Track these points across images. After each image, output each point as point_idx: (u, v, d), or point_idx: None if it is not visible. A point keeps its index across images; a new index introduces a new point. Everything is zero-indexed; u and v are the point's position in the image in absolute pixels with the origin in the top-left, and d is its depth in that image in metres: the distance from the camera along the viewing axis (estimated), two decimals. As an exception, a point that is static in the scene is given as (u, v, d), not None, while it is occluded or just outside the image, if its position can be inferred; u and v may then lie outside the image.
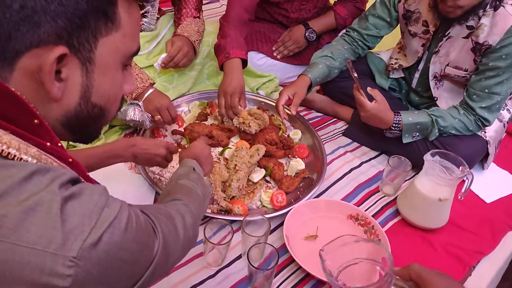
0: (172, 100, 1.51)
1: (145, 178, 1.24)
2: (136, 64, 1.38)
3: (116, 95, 0.56)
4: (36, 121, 0.46)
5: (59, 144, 0.50)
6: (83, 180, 0.48)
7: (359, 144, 1.57)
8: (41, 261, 0.40)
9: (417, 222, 1.25)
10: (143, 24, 1.53)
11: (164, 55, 1.45)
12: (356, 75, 1.35)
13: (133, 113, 1.31)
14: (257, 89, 1.71)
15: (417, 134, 1.42)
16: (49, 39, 0.45)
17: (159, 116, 1.33)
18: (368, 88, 1.38)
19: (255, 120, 1.41)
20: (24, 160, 0.44)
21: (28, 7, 0.44)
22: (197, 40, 1.53)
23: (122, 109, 1.34)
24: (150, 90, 1.34)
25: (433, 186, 1.18)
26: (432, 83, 1.50)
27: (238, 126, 1.41)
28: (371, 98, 1.36)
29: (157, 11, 1.56)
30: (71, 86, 0.49)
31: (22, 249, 0.40)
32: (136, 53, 0.56)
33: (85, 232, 0.42)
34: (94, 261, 0.42)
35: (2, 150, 0.43)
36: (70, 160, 0.51)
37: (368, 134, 1.52)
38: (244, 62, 1.47)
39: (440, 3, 1.30)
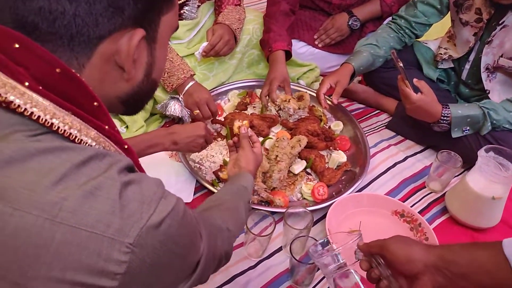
0: (212, 89, 1.50)
1: (185, 166, 1.23)
2: (177, 54, 1.37)
3: (164, 68, 0.58)
4: (95, 103, 0.46)
5: (116, 129, 0.49)
6: (136, 170, 0.47)
7: (403, 138, 1.51)
8: (99, 245, 0.39)
9: (467, 221, 1.18)
10: (185, 12, 1.52)
11: (205, 43, 1.44)
12: (401, 64, 1.29)
13: (173, 108, 1.32)
14: (297, 79, 1.67)
15: (468, 128, 1.34)
16: (129, 22, 0.47)
17: (198, 111, 1.33)
18: (414, 80, 1.32)
19: (297, 101, 1.38)
20: (84, 142, 0.44)
21: None
22: (238, 28, 1.51)
23: (163, 102, 1.34)
24: (191, 83, 1.33)
25: (486, 184, 1.12)
26: (484, 75, 1.41)
27: (279, 105, 1.39)
28: (417, 90, 1.30)
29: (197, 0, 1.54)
30: (139, 65, 0.51)
31: (82, 232, 0.39)
32: (176, 28, 0.58)
33: (143, 219, 0.41)
34: (149, 250, 0.42)
35: (64, 131, 0.43)
36: (126, 146, 0.50)
37: (414, 127, 1.46)
38: (288, 54, 1.51)
39: None
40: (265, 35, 1.53)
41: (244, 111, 1.48)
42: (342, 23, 1.70)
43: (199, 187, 1.23)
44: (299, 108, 1.37)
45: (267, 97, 1.44)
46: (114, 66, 0.48)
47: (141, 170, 0.55)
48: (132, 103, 0.55)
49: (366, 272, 0.68)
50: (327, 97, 1.40)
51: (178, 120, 1.40)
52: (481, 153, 1.12)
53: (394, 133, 1.52)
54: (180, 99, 1.33)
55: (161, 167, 1.25)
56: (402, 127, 1.51)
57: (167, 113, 1.33)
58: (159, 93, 1.39)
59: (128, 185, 0.42)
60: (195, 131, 1.08)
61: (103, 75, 0.48)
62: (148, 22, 0.49)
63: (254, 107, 1.50)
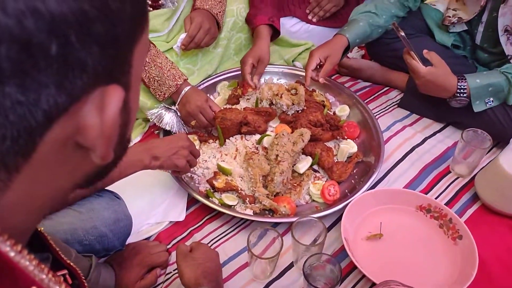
0: (198, 83, 1.33)
1: (173, 177, 1.08)
2: (166, 58, 1.20)
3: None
4: None
5: None
6: None
7: (419, 116, 1.33)
8: None
9: (504, 209, 1.02)
10: (164, 1, 1.34)
11: (183, 35, 1.26)
12: (403, 34, 1.14)
13: (171, 122, 1.17)
14: (293, 61, 1.49)
15: (491, 99, 1.17)
16: (94, 81, 0.27)
17: (195, 121, 1.18)
18: (424, 51, 1.16)
19: (290, 95, 1.21)
20: None
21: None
22: (219, 12, 1.32)
23: (156, 111, 1.18)
24: (185, 89, 1.17)
25: (526, 166, 0.95)
26: (503, 39, 1.22)
27: (270, 99, 1.22)
28: (429, 63, 1.13)
29: None
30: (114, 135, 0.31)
31: None
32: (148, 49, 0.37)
33: None
34: None
35: None
36: None
37: (430, 102, 1.28)
38: (275, 31, 1.33)
39: None
40: (250, 10, 1.39)
41: (236, 105, 1.31)
42: None
43: (191, 200, 1.08)
44: (293, 104, 1.20)
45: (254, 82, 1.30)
46: (74, 150, 0.29)
47: None
48: (92, 181, 0.35)
49: None
50: (328, 79, 1.23)
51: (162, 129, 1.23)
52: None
53: (408, 112, 1.34)
54: (176, 110, 1.18)
55: (146, 181, 1.09)
56: (416, 104, 1.33)
57: (162, 126, 1.18)
58: (144, 99, 1.23)
59: None
60: (177, 142, 0.93)
61: (51, 172, 0.29)
62: (121, 68, 0.29)
63: (248, 99, 1.33)
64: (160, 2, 1.34)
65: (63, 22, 0.23)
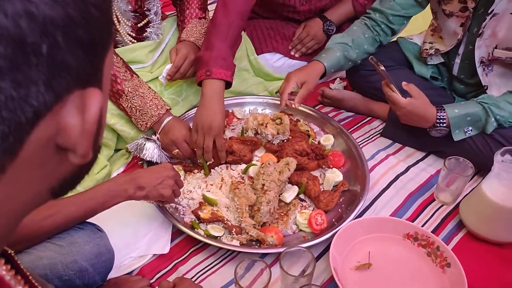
0: (183, 114, 1.33)
1: (157, 208, 1.05)
2: (149, 88, 1.20)
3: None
4: None
5: None
6: None
7: (402, 145, 1.35)
8: None
9: (488, 236, 1.03)
10: (148, 34, 1.35)
11: (168, 65, 1.27)
12: (383, 68, 1.18)
13: (151, 152, 1.15)
14: (276, 92, 1.52)
15: (470, 128, 1.20)
16: (75, 84, 0.30)
17: (177, 150, 1.17)
18: (403, 83, 1.20)
19: (275, 124, 1.22)
20: None
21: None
22: None
23: (136, 142, 1.17)
24: (167, 119, 1.16)
25: (507, 192, 0.97)
26: (479, 70, 1.27)
27: (255, 129, 1.23)
28: (408, 95, 1.17)
29: (160, 18, 1.38)
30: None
31: None
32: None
33: None
34: None
35: None
36: None
37: (411, 132, 1.30)
38: (228, 85, 1.19)
39: None
40: (205, 52, 1.17)
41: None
42: (317, 30, 1.57)
43: (176, 232, 1.05)
44: (278, 133, 1.20)
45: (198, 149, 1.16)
46: (53, 151, 0.30)
47: None
48: (65, 187, 0.36)
49: None
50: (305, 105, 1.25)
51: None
52: (497, 157, 0.97)
53: (391, 141, 1.37)
54: (156, 140, 1.16)
55: (130, 212, 1.06)
56: (398, 134, 1.36)
57: (143, 157, 1.16)
58: (127, 129, 1.21)
59: None
60: (162, 172, 0.91)
61: (31, 174, 0.30)
62: (96, 73, 0.32)
63: (233, 129, 1.33)
64: (144, 34, 1.36)
65: (53, 24, 0.26)
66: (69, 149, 0.30)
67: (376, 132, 1.41)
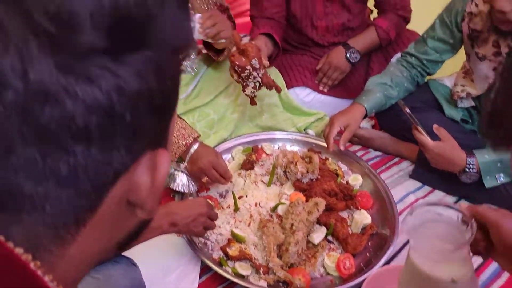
0: (213, 147, 1.36)
1: (188, 243, 1.06)
2: (178, 117, 1.24)
3: None
4: None
5: None
6: None
7: (431, 188, 1.34)
8: None
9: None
10: (184, 68, 1.41)
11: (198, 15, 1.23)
12: (409, 111, 1.19)
13: (181, 183, 1.18)
14: (305, 129, 1.53)
15: (501, 175, 1.19)
16: (147, 147, 0.33)
17: (206, 178, 1.19)
18: (434, 126, 1.20)
19: (305, 163, 1.23)
20: None
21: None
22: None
23: (169, 173, 1.20)
24: (194, 147, 1.19)
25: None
26: None
27: (285, 166, 1.24)
28: (438, 137, 1.18)
29: (197, 53, 1.44)
30: None
31: None
32: None
33: None
34: None
35: None
36: None
37: (441, 175, 1.29)
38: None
39: (493, 15, 1.12)
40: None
41: (250, 170, 1.33)
42: (338, 59, 1.57)
43: (204, 267, 1.06)
44: (307, 172, 1.21)
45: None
46: (124, 207, 0.33)
47: None
48: (129, 240, 0.39)
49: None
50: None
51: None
52: (407, 219, 0.68)
53: (420, 184, 1.36)
54: (184, 171, 1.19)
55: (160, 245, 1.08)
56: (428, 176, 1.35)
57: (173, 187, 1.19)
58: None
59: None
60: (195, 209, 0.93)
61: (105, 228, 0.33)
62: (165, 134, 0.35)
63: (261, 164, 1.35)
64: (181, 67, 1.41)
65: (137, 96, 0.28)
66: (138, 205, 0.32)
67: (405, 173, 1.40)
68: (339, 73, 1.59)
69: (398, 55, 1.52)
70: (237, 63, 1.20)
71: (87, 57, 0.26)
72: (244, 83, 1.25)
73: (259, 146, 1.42)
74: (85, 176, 0.28)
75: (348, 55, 1.57)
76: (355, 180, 1.31)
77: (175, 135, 1.19)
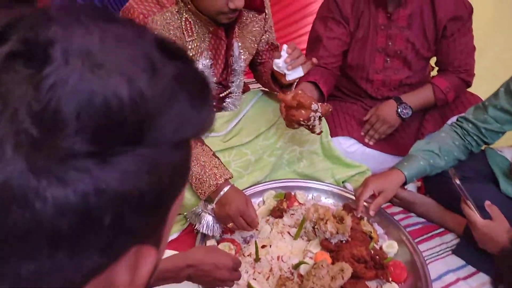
0: (245, 189, 1.32)
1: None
2: (212, 155, 1.20)
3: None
4: None
5: None
6: None
7: (475, 269, 1.21)
8: None
9: None
10: (226, 105, 1.40)
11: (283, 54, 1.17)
12: (459, 182, 1.10)
13: (206, 225, 1.16)
14: (343, 182, 1.46)
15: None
16: (132, 243, 0.30)
17: (232, 223, 1.15)
18: (486, 203, 1.10)
19: (336, 223, 1.15)
20: None
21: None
22: None
23: (193, 210, 1.19)
24: (225, 189, 1.15)
25: None
26: None
27: (314, 222, 1.17)
28: (489, 214, 1.07)
29: (241, 90, 1.43)
30: None
31: None
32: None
33: None
34: None
35: None
36: None
37: (489, 257, 1.16)
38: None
39: None
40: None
41: (279, 219, 1.27)
42: (388, 113, 1.49)
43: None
44: (337, 233, 1.14)
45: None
46: None
47: None
48: None
49: None
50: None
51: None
52: None
53: (464, 262, 1.22)
54: (211, 213, 1.17)
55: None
56: (473, 255, 1.21)
57: (198, 228, 1.17)
58: (188, 195, 1.23)
59: None
60: (215, 273, 0.86)
61: None
62: (158, 229, 0.32)
63: (292, 214, 1.29)
64: (223, 104, 1.41)
65: (121, 198, 0.25)
66: None
67: (448, 247, 1.28)
68: (387, 127, 1.51)
69: (455, 118, 1.42)
70: (301, 119, 1.16)
71: (66, 160, 0.23)
72: (311, 127, 1.21)
73: (292, 193, 1.36)
74: (47, 280, 0.25)
75: (399, 110, 1.48)
76: (390, 247, 1.21)
77: (206, 173, 1.17)
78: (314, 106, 1.16)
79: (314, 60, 1.18)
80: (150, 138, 0.26)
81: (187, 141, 0.32)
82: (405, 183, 1.21)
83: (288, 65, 1.17)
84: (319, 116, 1.20)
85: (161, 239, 0.32)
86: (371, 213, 1.17)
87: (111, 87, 0.24)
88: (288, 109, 1.17)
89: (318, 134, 1.27)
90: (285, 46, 1.17)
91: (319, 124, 1.22)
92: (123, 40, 0.27)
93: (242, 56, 1.32)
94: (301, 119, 1.16)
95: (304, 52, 1.56)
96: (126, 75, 0.25)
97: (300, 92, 1.17)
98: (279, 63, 1.17)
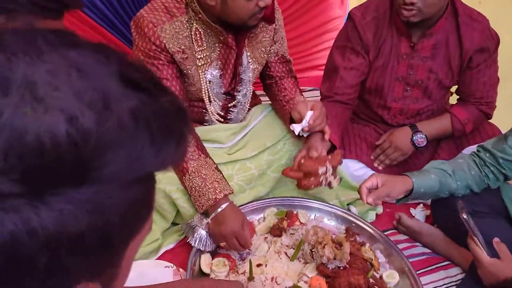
0: (245, 204, 1.30)
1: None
2: (214, 169, 1.18)
3: None
4: None
5: None
6: None
7: (481, 309, 1.15)
8: None
9: None
10: (232, 115, 1.39)
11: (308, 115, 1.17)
12: (465, 216, 1.05)
13: (198, 238, 1.13)
14: (348, 204, 1.42)
15: None
16: (77, 279, 0.29)
17: (225, 243, 1.13)
18: (494, 240, 1.05)
19: (334, 248, 1.11)
20: None
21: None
22: None
23: (188, 223, 1.17)
24: (223, 206, 1.13)
25: None
26: None
27: (312, 244, 1.13)
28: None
29: (249, 100, 1.41)
30: None
31: None
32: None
33: None
34: None
35: None
36: None
37: (496, 297, 1.10)
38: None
39: None
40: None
41: (278, 237, 1.24)
42: (402, 140, 1.44)
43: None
44: (334, 258, 1.10)
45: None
46: None
47: None
48: None
49: None
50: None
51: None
52: None
53: (468, 300, 1.17)
54: (205, 226, 1.14)
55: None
56: (479, 293, 1.15)
57: (190, 242, 1.14)
58: (185, 204, 1.22)
59: None
60: None
61: None
62: (109, 265, 0.30)
63: (292, 234, 1.25)
64: (230, 114, 1.39)
65: (57, 240, 0.24)
66: None
67: (452, 282, 1.22)
68: (400, 154, 1.46)
69: (472, 147, 1.36)
70: (313, 186, 1.18)
71: None
72: (327, 184, 1.21)
73: (294, 212, 1.33)
74: None
75: (414, 138, 1.44)
76: (391, 277, 1.16)
77: (206, 186, 1.15)
78: (322, 169, 1.16)
79: (370, 200, 1.13)
80: (93, 177, 0.24)
81: (147, 177, 0.30)
82: (410, 193, 1.16)
83: (304, 131, 1.19)
84: (331, 172, 1.19)
85: (115, 276, 0.31)
86: (369, 200, 1.12)
87: (46, 124, 0.22)
88: (298, 180, 1.19)
89: (337, 185, 1.24)
90: (308, 115, 1.16)
91: (335, 178, 1.20)
92: (79, 70, 0.25)
93: (251, 66, 1.31)
94: (314, 186, 1.18)
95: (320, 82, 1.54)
96: (67, 111, 0.23)
97: (302, 161, 1.18)
98: (297, 129, 1.18)
